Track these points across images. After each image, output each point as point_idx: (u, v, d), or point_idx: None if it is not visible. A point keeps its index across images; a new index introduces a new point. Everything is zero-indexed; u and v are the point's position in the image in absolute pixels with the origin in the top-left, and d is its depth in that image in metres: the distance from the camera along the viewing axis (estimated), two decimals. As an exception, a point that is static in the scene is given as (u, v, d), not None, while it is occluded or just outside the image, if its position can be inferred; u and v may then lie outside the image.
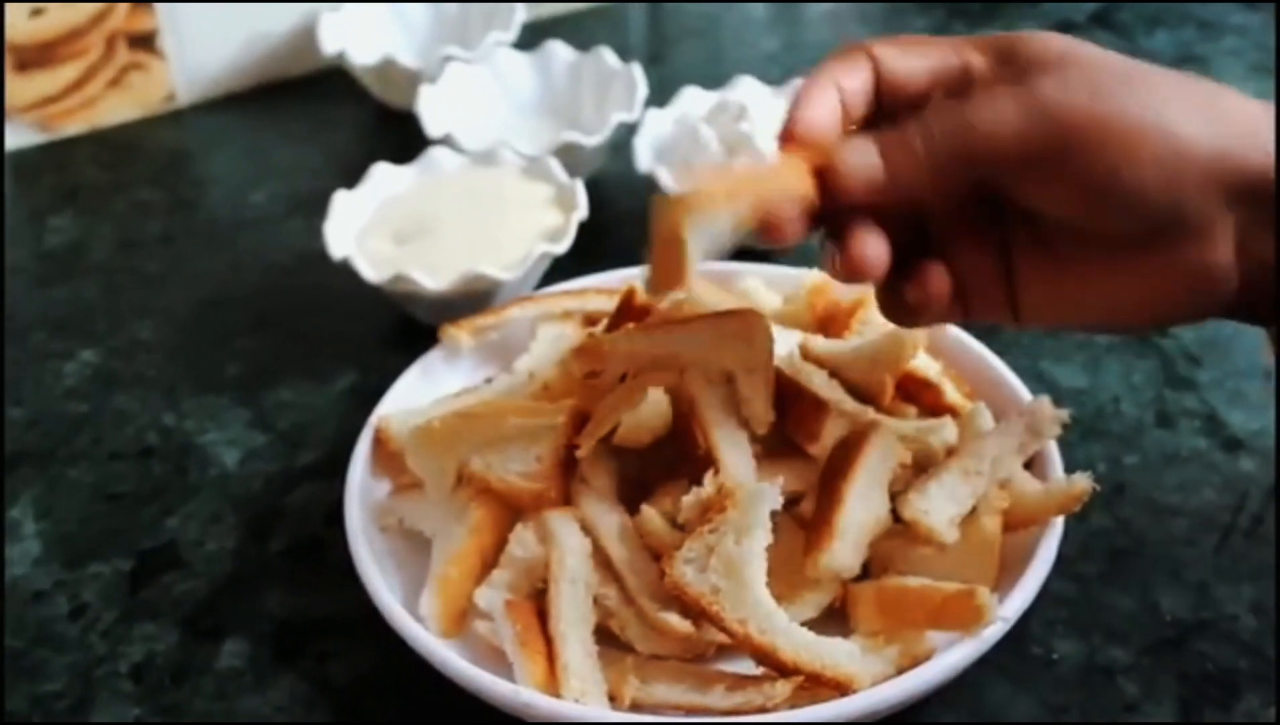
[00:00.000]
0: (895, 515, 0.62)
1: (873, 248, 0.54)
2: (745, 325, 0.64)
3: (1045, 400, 0.65)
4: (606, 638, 0.61)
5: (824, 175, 0.53)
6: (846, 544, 0.60)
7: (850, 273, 0.55)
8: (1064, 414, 0.65)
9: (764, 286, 0.76)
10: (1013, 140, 0.51)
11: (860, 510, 0.61)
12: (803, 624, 0.58)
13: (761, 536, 0.57)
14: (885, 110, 0.56)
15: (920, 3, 1.15)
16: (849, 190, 0.53)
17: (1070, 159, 0.51)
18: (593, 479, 0.64)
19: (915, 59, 0.56)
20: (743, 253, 0.84)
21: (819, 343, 0.69)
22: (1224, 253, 0.52)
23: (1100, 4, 1.13)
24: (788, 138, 0.55)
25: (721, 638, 0.59)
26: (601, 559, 0.62)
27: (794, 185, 0.53)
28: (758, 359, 0.63)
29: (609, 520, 0.63)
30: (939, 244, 0.56)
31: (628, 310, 0.71)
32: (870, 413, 0.65)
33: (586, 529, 0.63)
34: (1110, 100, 0.50)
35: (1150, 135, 0.50)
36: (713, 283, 0.76)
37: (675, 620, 0.60)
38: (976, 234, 0.56)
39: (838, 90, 0.56)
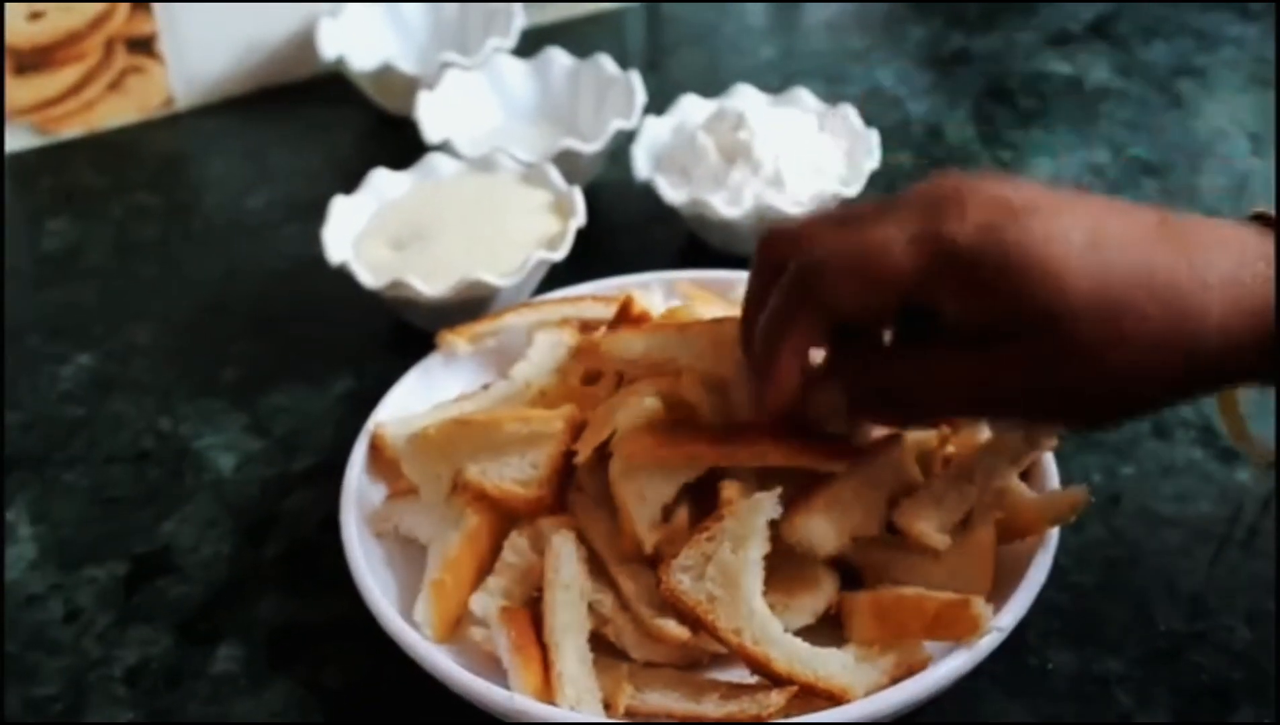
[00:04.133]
0: (891, 527, 0.62)
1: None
2: (742, 332, 0.64)
3: (1041, 410, 0.65)
4: (601, 645, 0.61)
5: None
6: (823, 521, 0.60)
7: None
8: (1060, 424, 0.65)
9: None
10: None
11: (848, 493, 0.60)
12: (798, 631, 0.58)
13: (758, 546, 0.57)
14: None
15: (918, 6, 1.15)
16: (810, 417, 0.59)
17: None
18: (589, 486, 0.64)
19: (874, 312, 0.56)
20: (738, 260, 0.85)
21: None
22: None
23: (1097, 14, 1.13)
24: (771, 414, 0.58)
25: (717, 646, 0.59)
26: (597, 566, 0.62)
27: None
28: (754, 367, 0.63)
29: (605, 527, 0.63)
30: None
31: (625, 318, 0.71)
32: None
33: (582, 536, 0.62)
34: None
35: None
36: (709, 291, 0.76)
37: (671, 627, 0.60)
38: None
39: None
